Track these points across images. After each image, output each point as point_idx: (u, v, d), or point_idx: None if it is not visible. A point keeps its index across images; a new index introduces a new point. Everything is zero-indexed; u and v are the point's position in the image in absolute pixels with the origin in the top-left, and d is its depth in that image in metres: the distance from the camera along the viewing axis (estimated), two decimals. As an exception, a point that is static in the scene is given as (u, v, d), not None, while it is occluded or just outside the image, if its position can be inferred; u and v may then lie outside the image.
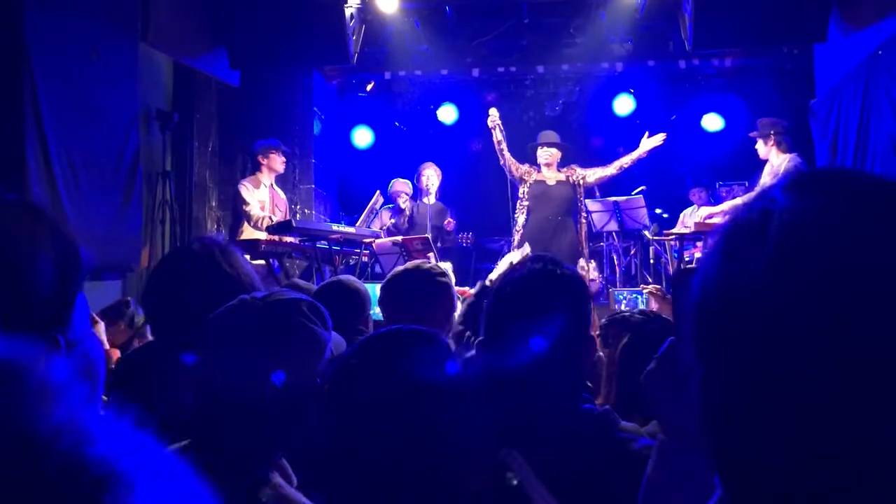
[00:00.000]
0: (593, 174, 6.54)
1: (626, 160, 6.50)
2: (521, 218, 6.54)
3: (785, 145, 6.06)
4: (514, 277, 1.61)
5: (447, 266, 4.59)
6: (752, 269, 0.55)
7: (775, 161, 6.01)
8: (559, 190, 6.47)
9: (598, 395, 2.46)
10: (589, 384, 2.29)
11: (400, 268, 2.30)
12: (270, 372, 1.29)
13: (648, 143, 6.47)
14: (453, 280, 5.34)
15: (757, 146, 6.23)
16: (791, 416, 0.53)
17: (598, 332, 2.57)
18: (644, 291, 5.73)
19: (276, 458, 1.34)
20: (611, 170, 6.52)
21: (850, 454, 0.50)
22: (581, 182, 6.50)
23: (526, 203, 6.52)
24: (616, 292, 6.63)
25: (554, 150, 6.54)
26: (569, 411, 1.48)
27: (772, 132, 6.06)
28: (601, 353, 3.21)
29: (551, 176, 6.53)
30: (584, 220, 6.61)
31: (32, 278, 0.77)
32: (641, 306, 5.78)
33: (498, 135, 6.48)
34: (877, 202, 0.56)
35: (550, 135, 6.70)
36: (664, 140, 6.45)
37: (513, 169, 6.53)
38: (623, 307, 5.99)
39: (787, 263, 0.54)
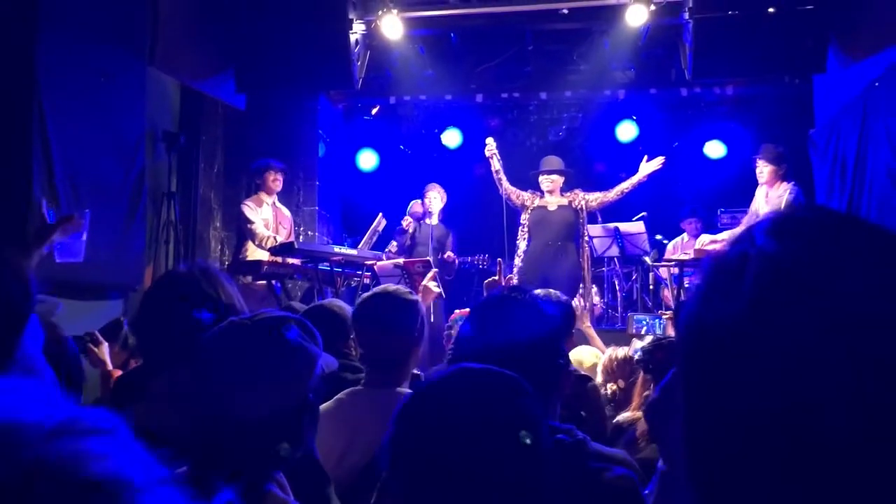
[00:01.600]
0: (595, 199, 6.59)
1: (626, 185, 6.54)
2: (521, 244, 6.59)
3: (784, 173, 6.10)
4: (479, 304, 1.64)
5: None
6: (728, 311, 0.57)
7: (774, 191, 6.04)
8: (560, 215, 6.51)
9: (606, 433, 2.46)
10: (582, 413, 2.31)
11: (369, 293, 2.34)
12: (261, 390, 1.32)
13: (647, 167, 6.52)
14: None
15: (758, 171, 6.24)
16: (764, 453, 0.54)
17: (639, 359, 2.57)
18: (663, 317, 5.76)
19: (274, 474, 1.37)
20: (612, 195, 6.57)
21: (827, 490, 0.52)
22: (583, 206, 6.55)
23: (527, 229, 6.57)
24: (636, 317, 6.59)
25: (556, 177, 6.60)
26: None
27: (777, 160, 6.08)
28: (596, 383, 3.22)
29: (553, 201, 6.57)
30: (585, 246, 6.64)
31: None
32: (659, 332, 5.77)
33: (496, 164, 6.55)
34: (854, 248, 0.56)
35: (553, 161, 6.76)
36: (663, 164, 6.49)
37: (513, 197, 6.58)
38: (643, 332, 5.96)
39: (762, 306, 0.55)
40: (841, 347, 0.52)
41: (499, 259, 3.48)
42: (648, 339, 3.01)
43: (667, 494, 1.13)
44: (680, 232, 7.86)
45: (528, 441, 1.05)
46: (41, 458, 0.38)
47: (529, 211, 6.53)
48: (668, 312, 4.41)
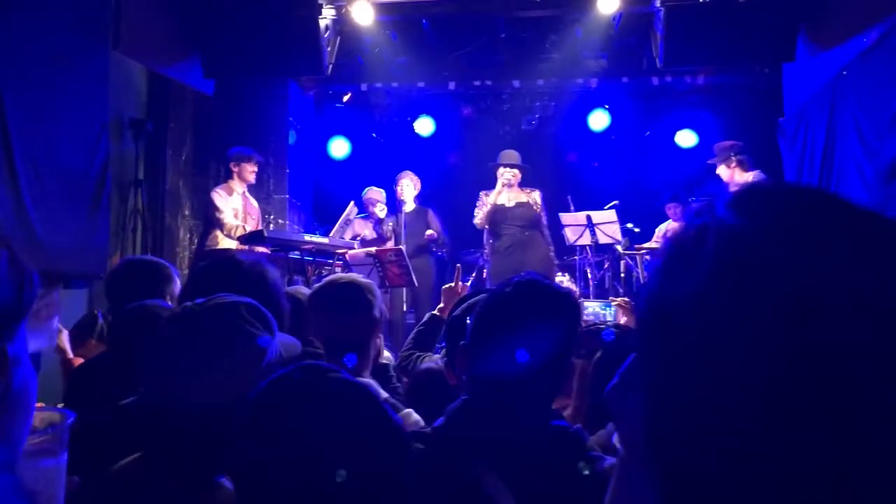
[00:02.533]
0: (541, 210, 6.61)
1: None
2: (488, 247, 6.69)
3: (747, 164, 6.16)
4: (506, 290, 1.61)
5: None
6: (686, 283, 0.55)
7: (740, 180, 6.09)
8: (519, 209, 6.57)
9: (568, 406, 2.47)
10: None
11: (323, 281, 2.32)
12: (209, 377, 1.29)
13: None
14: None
15: (718, 171, 6.32)
16: (723, 430, 0.53)
17: None
18: (612, 304, 5.79)
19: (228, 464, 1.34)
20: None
21: (780, 462, 0.51)
22: (539, 209, 6.58)
23: (489, 229, 6.65)
24: (586, 304, 6.69)
25: (516, 171, 6.61)
26: (543, 427, 1.49)
27: (732, 154, 6.16)
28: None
29: (511, 197, 6.61)
30: (547, 233, 6.68)
31: None
32: (609, 318, 5.83)
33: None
34: (817, 220, 0.55)
35: (513, 155, 6.76)
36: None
37: (482, 216, 6.60)
38: (592, 319, 6.04)
39: (719, 278, 0.54)
40: (800, 321, 0.50)
41: (457, 265, 3.43)
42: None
43: (624, 478, 1.12)
44: (661, 218, 7.90)
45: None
46: None
47: (487, 214, 6.54)
48: (618, 299, 4.43)
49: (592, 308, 6.47)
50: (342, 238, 6.69)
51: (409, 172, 7.34)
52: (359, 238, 7.10)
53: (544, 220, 6.64)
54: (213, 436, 1.28)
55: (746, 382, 0.51)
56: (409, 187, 7.22)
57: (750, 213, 0.56)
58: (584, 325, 2.67)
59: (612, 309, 5.89)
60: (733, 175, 6.17)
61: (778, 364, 0.51)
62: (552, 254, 6.71)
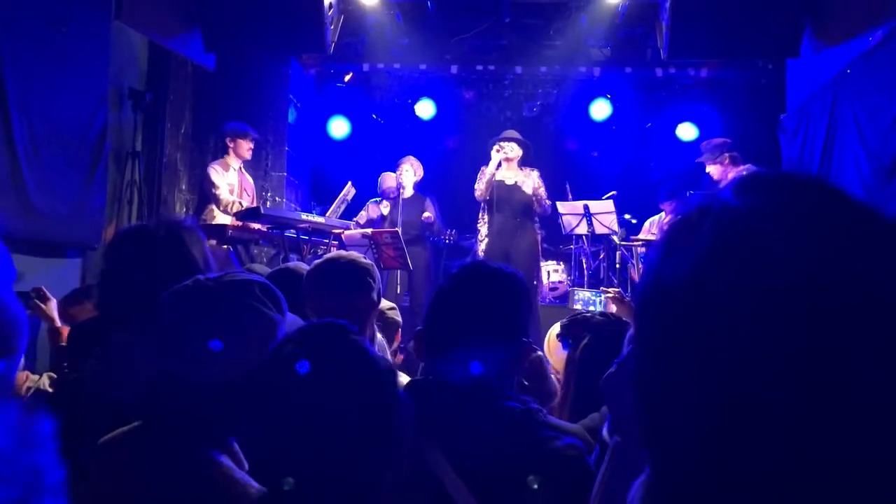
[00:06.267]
0: (542, 191, 6.56)
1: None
2: (483, 227, 6.64)
3: (738, 160, 6.14)
4: (455, 273, 1.64)
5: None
6: (683, 262, 0.56)
7: (734, 176, 6.08)
8: (518, 191, 6.51)
9: (555, 394, 2.48)
10: (525, 382, 2.31)
11: (323, 258, 2.30)
12: (221, 353, 1.28)
13: None
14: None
15: (709, 170, 6.28)
16: (710, 401, 0.53)
17: (559, 332, 2.59)
18: (603, 294, 5.79)
19: (228, 442, 1.33)
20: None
21: (766, 441, 0.51)
22: (539, 192, 6.54)
23: (486, 205, 6.59)
24: (577, 293, 6.70)
25: (515, 146, 6.55)
26: (491, 407, 1.49)
27: (723, 152, 6.13)
28: (541, 353, 3.22)
29: (510, 175, 6.55)
30: (538, 223, 6.65)
31: None
32: (599, 308, 5.84)
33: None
34: (817, 207, 0.56)
35: (513, 132, 6.73)
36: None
37: (482, 187, 6.55)
38: (579, 307, 6.06)
39: (716, 255, 0.54)
40: (795, 302, 0.51)
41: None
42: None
43: (618, 465, 1.13)
44: (657, 211, 7.89)
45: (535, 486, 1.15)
46: None
47: (489, 184, 6.49)
48: (610, 290, 4.43)
49: (582, 296, 6.47)
50: (357, 223, 6.72)
51: (412, 158, 7.29)
52: (370, 220, 7.12)
53: (543, 201, 6.56)
54: (215, 411, 1.28)
55: (742, 360, 0.52)
56: (409, 172, 7.18)
57: (752, 193, 0.57)
58: (571, 314, 2.68)
59: (602, 297, 5.90)
60: (725, 172, 6.15)
61: (773, 343, 0.51)
62: (539, 244, 6.67)
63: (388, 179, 7.34)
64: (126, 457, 1.25)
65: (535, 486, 1.21)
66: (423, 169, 7.41)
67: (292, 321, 1.54)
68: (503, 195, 6.50)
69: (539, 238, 6.66)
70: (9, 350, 0.84)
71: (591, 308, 5.71)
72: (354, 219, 7.12)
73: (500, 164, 6.51)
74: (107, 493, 1.22)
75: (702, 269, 0.55)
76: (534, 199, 6.52)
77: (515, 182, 6.53)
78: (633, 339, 0.63)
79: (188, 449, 1.25)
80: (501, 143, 6.53)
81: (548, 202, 6.60)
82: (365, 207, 7.30)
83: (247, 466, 1.34)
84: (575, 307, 6.05)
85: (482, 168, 6.60)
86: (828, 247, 0.52)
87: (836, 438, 0.50)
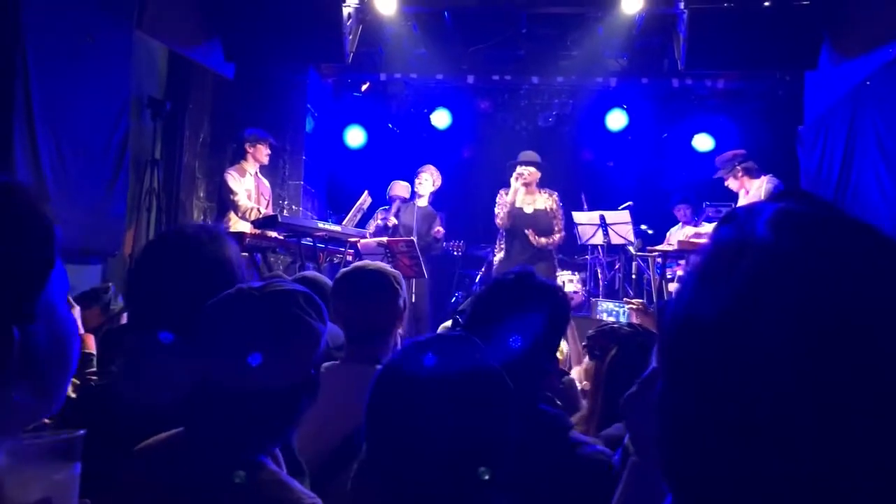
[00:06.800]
0: (559, 213, 6.55)
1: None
2: (499, 253, 6.63)
3: (754, 171, 6.10)
4: (498, 281, 1.68)
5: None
6: (718, 298, 0.56)
7: (752, 188, 6.05)
8: (536, 218, 6.50)
9: (579, 409, 2.48)
10: (558, 402, 2.32)
11: (350, 266, 2.32)
12: (266, 362, 1.29)
13: None
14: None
15: (727, 184, 6.26)
16: (733, 437, 0.54)
17: (584, 343, 2.58)
18: (626, 306, 5.77)
19: (270, 448, 1.34)
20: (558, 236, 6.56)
21: (792, 478, 0.52)
22: (556, 214, 6.53)
23: (504, 234, 6.60)
24: (599, 303, 6.67)
25: (533, 169, 6.56)
26: (526, 410, 1.51)
27: (737, 165, 6.11)
28: (575, 374, 3.20)
29: (529, 202, 6.54)
30: (556, 240, 6.62)
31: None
32: (623, 320, 5.81)
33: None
34: (854, 253, 0.55)
35: (531, 154, 6.68)
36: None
37: (502, 216, 6.53)
38: (604, 317, 6.03)
39: (752, 298, 0.54)
40: (830, 347, 0.51)
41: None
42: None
43: (636, 484, 1.13)
44: (672, 218, 7.87)
45: (486, 477, 1.11)
46: None
47: (510, 214, 6.48)
48: (634, 302, 4.42)
49: (605, 307, 6.44)
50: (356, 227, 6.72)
51: (432, 167, 7.28)
52: (374, 226, 7.12)
53: (559, 224, 6.56)
54: (264, 418, 1.29)
55: (772, 401, 0.52)
56: (427, 182, 7.18)
57: (788, 233, 0.56)
58: (597, 325, 2.67)
59: (625, 308, 5.88)
60: (742, 184, 6.13)
61: (812, 386, 0.51)
62: (556, 267, 6.70)
63: (396, 187, 7.35)
64: (168, 464, 1.25)
65: (486, 477, 1.21)
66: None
67: (335, 331, 1.55)
68: (521, 223, 6.49)
69: (555, 263, 6.67)
70: (63, 367, 0.85)
71: (623, 319, 5.67)
72: (366, 227, 7.15)
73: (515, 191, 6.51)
74: (146, 500, 1.23)
75: (739, 307, 0.54)
76: (556, 217, 6.51)
77: (534, 210, 6.52)
78: (660, 371, 0.63)
79: (234, 453, 1.25)
80: (520, 171, 6.51)
81: (559, 232, 6.56)
82: (374, 216, 7.31)
83: (285, 470, 1.35)
84: (598, 317, 6.01)
85: (501, 192, 6.58)
86: (868, 290, 0.53)
87: (872, 482, 0.51)
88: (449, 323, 3.53)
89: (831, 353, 0.51)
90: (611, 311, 6.23)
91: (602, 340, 2.30)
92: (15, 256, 0.77)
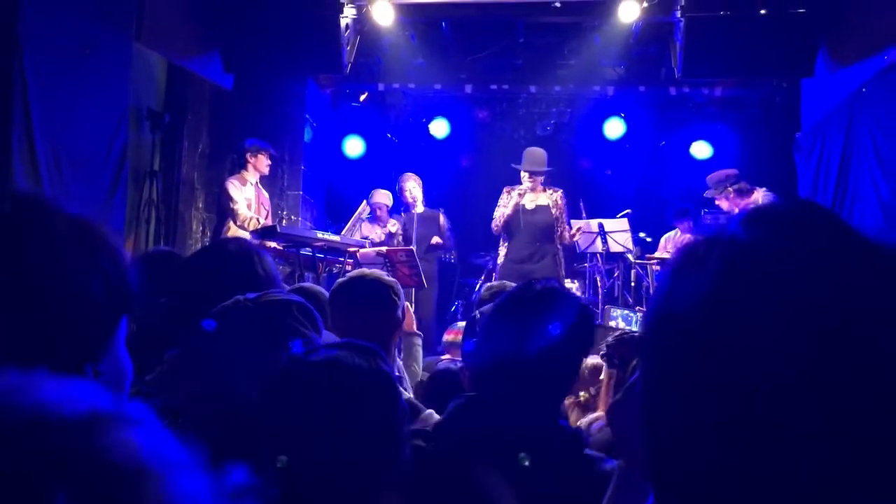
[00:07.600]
0: (563, 213, 6.56)
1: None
2: (502, 249, 6.61)
3: (745, 191, 6.08)
4: (516, 293, 1.63)
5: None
6: (691, 293, 0.57)
7: (746, 205, 6.04)
8: (539, 216, 6.49)
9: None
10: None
11: (347, 276, 2.32)
12: (260, 372, 1.30)
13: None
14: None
15: (718, 203, 6.27)
16: (710, 428, 0.54)
17: (601, 352, 2.56)
18: (639, 313, 5.77)
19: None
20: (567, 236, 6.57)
21: (768, 468, 0.52)
22: (560, 210, 6.53)
23: (505, 232, 6.57)
24: (612, 311, 6.62)
25: (537, 179, 6.57)
26: (547, 426, 1.50)
27: (728, 187, 6.10)
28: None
29: (532, 199, 6.54)
30: (560, 248, 6.63)
31: (75, 311, 0.75)
32: (634, 326, 5.78)
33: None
34: (818, 238, 0.56)
35: (539, 158, 6.62)
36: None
37: (499, 219, 6.53)
38: (619, 324, 5.99)
39: (723, 289, 0.55)
40: (801, 333, 0.52)
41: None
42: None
43: (624, 489, 1.14)
44: (671, 229, 7.86)
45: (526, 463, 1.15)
46: (69, 446, 0.38)
47: (508, 213, 6.48)
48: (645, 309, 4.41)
49: (620, 314, 6.40)
50: (371, 241, 6.73)
51: (411, 174, 7.27)
52: (368, 240, 7.10)
53: (563, 222, 6.55)
54: (247, 429, 1.29)
55: (747, 388, 0.53)
56: (416, 189, 7.18)
57: (760, 227, 0.58)
58: (614, 333, 2.65)
59: (638, 315, 5.85)
60: (733, 205, 6.12)
61: (781, 371, 0.52)
62: (562, 267, 6.65)
63: (377, 195, 7.36)
64: None
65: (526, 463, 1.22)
66: (438, 187, 7.44)
67: (331, 340, 1.55)
68: (521, 221, 6.46)
69: (559, 264, 6.61)
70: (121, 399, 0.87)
71: (634, 326, 5.64)
72: (365, 235, 7.14)
73: (521, 191, 6.50)
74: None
75: (709, 300, 0.55)
76: (560, 215, 6.51)
77: (536, 205, 6.52)
78: (641, 368, 0.64)
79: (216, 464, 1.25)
80: (524, 174, 6.49)
81: (566, 228, 6.56)
82: (359, 228, 7.26)
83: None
84: (610, 324, 5.98)
85: (505, 191, 6.55)
86: (831, 278, 0.53)
87: (854, 469, 0.51)
88: (462, 324, 3.51)
89: (798, 338, 0.52)
90: (626, 318, 6.16)
91: (621, 349, 2.28)
92: (97, 301, 0.78)
